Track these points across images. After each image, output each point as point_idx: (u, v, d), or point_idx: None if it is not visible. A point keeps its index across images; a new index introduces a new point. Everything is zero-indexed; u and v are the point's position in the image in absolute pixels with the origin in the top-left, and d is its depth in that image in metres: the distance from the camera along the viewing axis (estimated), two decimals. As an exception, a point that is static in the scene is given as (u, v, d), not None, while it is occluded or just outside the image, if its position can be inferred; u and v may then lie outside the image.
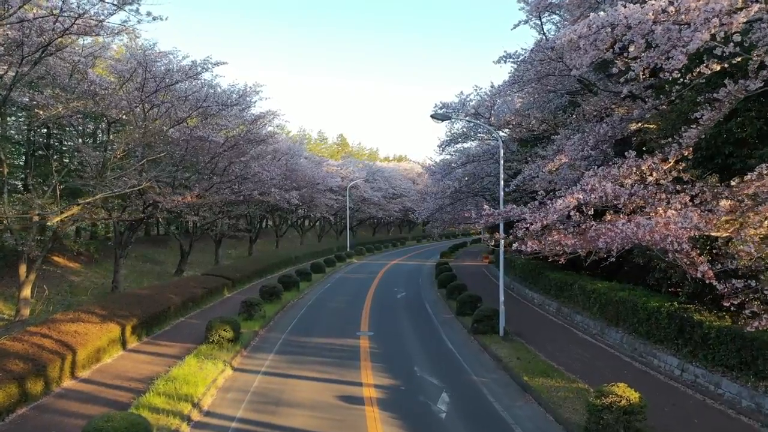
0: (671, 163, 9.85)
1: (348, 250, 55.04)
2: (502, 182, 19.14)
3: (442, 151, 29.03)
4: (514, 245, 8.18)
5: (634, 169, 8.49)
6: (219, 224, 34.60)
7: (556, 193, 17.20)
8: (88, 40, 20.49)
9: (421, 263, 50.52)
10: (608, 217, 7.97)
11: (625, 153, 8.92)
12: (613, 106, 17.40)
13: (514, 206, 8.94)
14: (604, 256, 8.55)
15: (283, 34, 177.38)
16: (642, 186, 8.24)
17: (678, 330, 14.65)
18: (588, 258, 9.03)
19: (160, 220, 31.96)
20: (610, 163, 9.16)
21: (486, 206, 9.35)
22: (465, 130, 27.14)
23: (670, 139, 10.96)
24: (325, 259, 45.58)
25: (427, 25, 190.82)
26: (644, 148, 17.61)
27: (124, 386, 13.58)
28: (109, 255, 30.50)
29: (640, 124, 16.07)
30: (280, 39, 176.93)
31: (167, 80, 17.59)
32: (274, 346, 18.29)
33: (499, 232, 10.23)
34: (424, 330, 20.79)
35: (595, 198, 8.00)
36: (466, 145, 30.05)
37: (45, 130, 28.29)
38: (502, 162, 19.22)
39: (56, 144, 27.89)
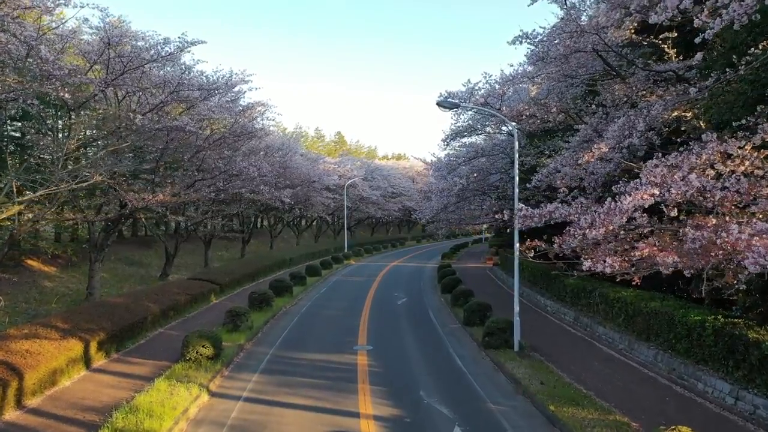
0: (747, 150, 7.75)
1: (345, 251, 52.93)
2: (516, 178, 17.03)
3: (447, 145, 26.89)
4: (586, 264, 6.07)
5: (716, 156, 6.43)
6: (208, 224, 32.36)
7: (586, 190, 15.18)
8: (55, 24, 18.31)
9: (422, 265, 48.43)
10: (712, 221, 5.86)
11: (702, 136, 6.85)
12: (643, 92, 15.33)
13: (559, 205, 6.90)
14: (733, 281, 6.38)
15: (282, 36, 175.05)
16: (736, 177, 6.16)
17: (727, 350, 12.54)
18: (700, 284, 6.84)
19: (143, 220, 29.73)
20: (681, 150, 7.09)
21: (522, 205, 7.31)
22: (471, 122, 25.03)
23: (737, 124, 8.86)
24: (321, 260, 43.46)
25: (428, 25, 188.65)
26: (679, 139, 15.56)
27: (78, 419, 11.46)
28: (88, 258, 28.31)
29: (676, 112, 13.97)
30: (279, 41, 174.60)
31: (136, 60, 15.33)
32: (260, 363, 16.16)
33: (527, 242, 8.11)
34: (428, 343, 18.69)
35: (676, 194, 5.93)
36: (471, 139, 28.00)
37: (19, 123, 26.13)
38: (516, 156, 17.12)
39: (30, 140, 25.66)
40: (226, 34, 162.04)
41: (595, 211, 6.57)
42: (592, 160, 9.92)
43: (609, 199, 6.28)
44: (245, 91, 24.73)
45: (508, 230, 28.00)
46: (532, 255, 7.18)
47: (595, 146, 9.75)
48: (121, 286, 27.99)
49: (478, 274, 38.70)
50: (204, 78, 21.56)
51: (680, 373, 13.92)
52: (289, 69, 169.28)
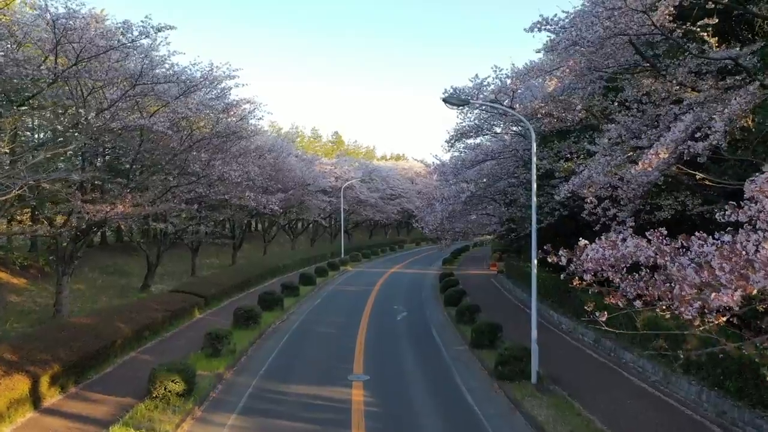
0: None
1: (342, 256, 50.72)
2: (534, 186, 14.89)
3: (451, 147, 24.71)
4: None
5: None
6: (193, 230, 30.09)
7: (619, 202, 13.08)
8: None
9: (423, 272, 46.32)
10: None
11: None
12: (677, 87, 13.23)
13: (640, 241, 4.79)
14: None
15: (280, 35, 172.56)
16: None
17: (796, 394, 10.42)
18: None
19: (122, 227, 27.53)
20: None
21: (584, 242, 5.22)
22: (478, 122, 22.87)
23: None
24: (316, 267, 41.29)
25: (427, 24, 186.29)
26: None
27: (5, 486, 9.30)
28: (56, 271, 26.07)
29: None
30: (278, 40, 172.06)
31: (91, 48, 13.05)
32: (240, 400, 13.99)
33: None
34: (433, 371, 16.52)
35: None
36: (477, 140, 25.81)
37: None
38: (534, 159, 14.99)
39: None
40: (223, 34, 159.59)
41: (687, 250, 4.47)
42: (650, 168, 7.86)
43: (730, 237, 4.19)
44: (231, 87, 22.56)
45: (513, 234, 25.86)
46: (602, 318, 5.09)
47: (650, 152, 7.69)
48: (97, 299, 25.80)
49: (482, 284, 36.61)
50: (180, 70, 19.31)
51: (733, 417, 11.79)
52: (287, 68, 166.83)
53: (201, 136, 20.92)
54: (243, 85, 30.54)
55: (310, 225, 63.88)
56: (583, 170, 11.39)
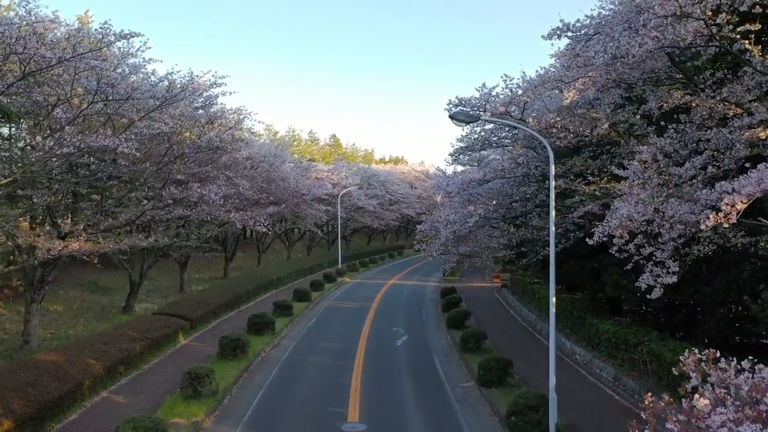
0: None
1: (339, 266, 48.94)
2: (552, 213, 13.18)
3: (455, 160, 22.92)
4: None
5: None
6: (179, 245, 28.29)
7: (656, 238, 11.16)
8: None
9: (423, 283, 44.61)
10: None
11: None
12: (715, 105, 11.52)
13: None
14: None
15: (277, 38, 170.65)
16: None
17: None
18: None
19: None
20: None
21: (704, 402, 3.41)
22: (484, 134, 21.13)
23: None
24: (311, 281, 39.48)
25: (425, 24, 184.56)
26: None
27: None
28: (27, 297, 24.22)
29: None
30: (276, 42, 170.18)
31: (40, 60, 11.27)
32: (217, 460, 12.24)
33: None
34: (438, 419, 14.72)
35: None
36: (483, 153, 23.98)
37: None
38: (553, 183, 13.26)
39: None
40: (218, 37, 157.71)
41: None
42: (727, 224, 6.17)
43: None
44: (217, 96, 20.76)
45: (524, 260, 24.12)
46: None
47: (725, 201, 6.01)
48: (75, 323, 24.01)
49: (485, 300, 34.97)
50: (155, 83, 17.51)
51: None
52: (285, 70, 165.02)
53: (181, 150, 19.11)
54: (231, 93, 28.76)
55: (306, 233, 62.10)
56: (621, 208, 9.69)
